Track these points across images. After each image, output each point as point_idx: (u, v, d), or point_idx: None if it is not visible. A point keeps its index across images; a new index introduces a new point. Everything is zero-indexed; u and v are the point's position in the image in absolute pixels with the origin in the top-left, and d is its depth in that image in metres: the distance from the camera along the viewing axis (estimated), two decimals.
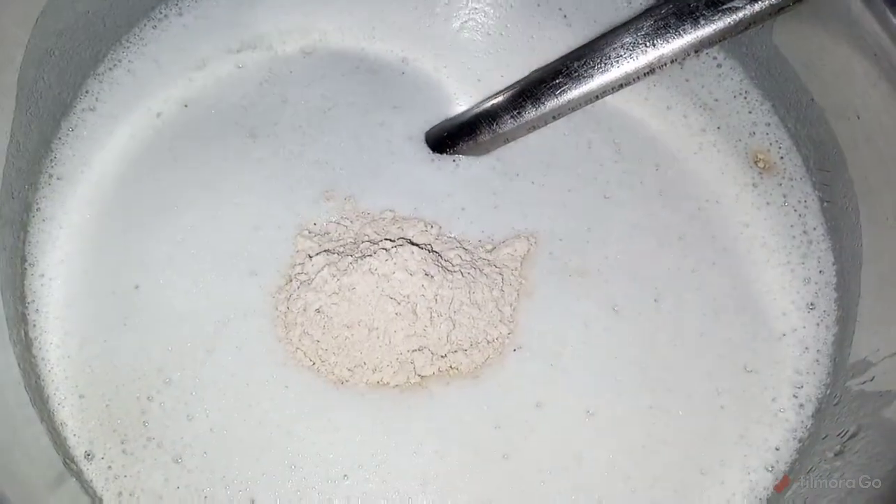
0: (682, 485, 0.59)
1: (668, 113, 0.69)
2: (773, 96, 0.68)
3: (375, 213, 0.64)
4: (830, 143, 0.62)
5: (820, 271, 0.64)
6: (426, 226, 0.63)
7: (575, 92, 0.60)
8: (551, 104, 0.61)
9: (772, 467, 0.60)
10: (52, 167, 0.64)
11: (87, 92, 0.66)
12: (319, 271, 0.59)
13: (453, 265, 0.61)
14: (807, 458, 0.59)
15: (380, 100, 0.68)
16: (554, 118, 0.62)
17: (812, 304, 0.63)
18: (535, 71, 0.64)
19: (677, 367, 0.61)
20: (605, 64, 0.58)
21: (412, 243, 0.61)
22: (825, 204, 0.65)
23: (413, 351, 0.59)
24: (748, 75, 0.69)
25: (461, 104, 0.68)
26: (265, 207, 0.63)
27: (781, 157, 0.67)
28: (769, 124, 0.68)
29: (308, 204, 0.64)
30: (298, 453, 0.57)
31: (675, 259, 0.64)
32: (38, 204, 0.63)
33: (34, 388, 0.58)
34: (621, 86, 0.59)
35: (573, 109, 0.61)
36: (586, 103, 0.60)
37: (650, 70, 0.58)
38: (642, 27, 0.57)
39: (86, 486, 0.57)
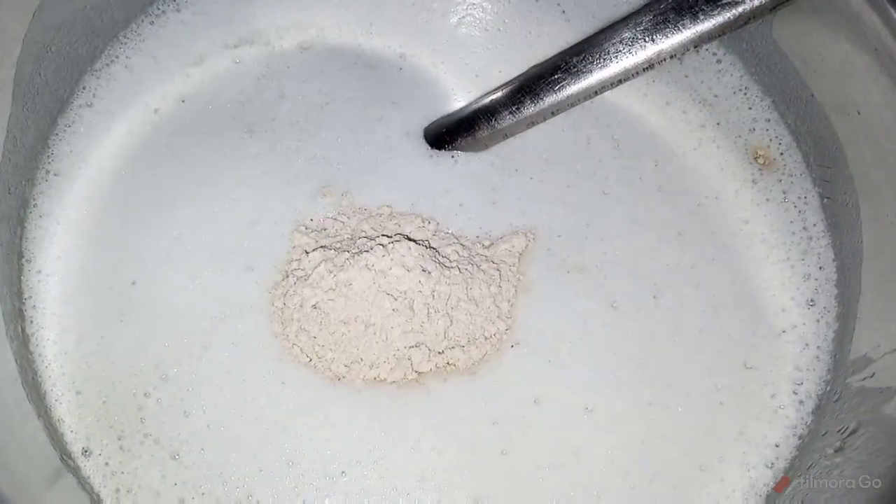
0: (682, 481, 0.58)
1: (667, 109, 0.69)
2: (773, 92, 0.67)
3: (373, 208, 0.64)
4: (831, 139, 0.62)
5: (820, 268, 0.64)
6: (424, 222, 0.63)
7: (574, 87, 0.60)
8: (550, 100, 0.61)
9: (771, 464, 0.59)
10: (49, 163, 0.63)
11: (84, 88, 0.66)
12: (316, 267, 0.59)
13: (451, 261, 0.61)
14: (806, 454, 0.58)
15: (377, 95, 0.68)
16: (553, 114, 0.62)
17: (812, 301, 0.63)
18: (534, 66, 0.64)
19: (676, 363, 0.61)
20: (604, 59, 0.58)
21: (409, 239, 0.61)
22: (825, 200, 0.64)
23: (410, 347, 0.58)
24: (748, 71, 0.69)
25: (459, 100, 0.68)
26: (262, 203, 0.63)
27: (781, 153, 0.67)
28: (769, 120, 0.68)
29: (305, 199, 0.64)
30: (296, 450, 0.57)
31: (675, 255, 0.64)
32: (34, 200, 0.62)
33: (31, 385, 0.58)
34: (620, 81, 0.59)
35: (572, 105, 0.61)
36: (585, 99, 0.60)
37: (649, 65, 0.57)
38: (641, 22, 0.57)
39: (83, 482, 0.57)
